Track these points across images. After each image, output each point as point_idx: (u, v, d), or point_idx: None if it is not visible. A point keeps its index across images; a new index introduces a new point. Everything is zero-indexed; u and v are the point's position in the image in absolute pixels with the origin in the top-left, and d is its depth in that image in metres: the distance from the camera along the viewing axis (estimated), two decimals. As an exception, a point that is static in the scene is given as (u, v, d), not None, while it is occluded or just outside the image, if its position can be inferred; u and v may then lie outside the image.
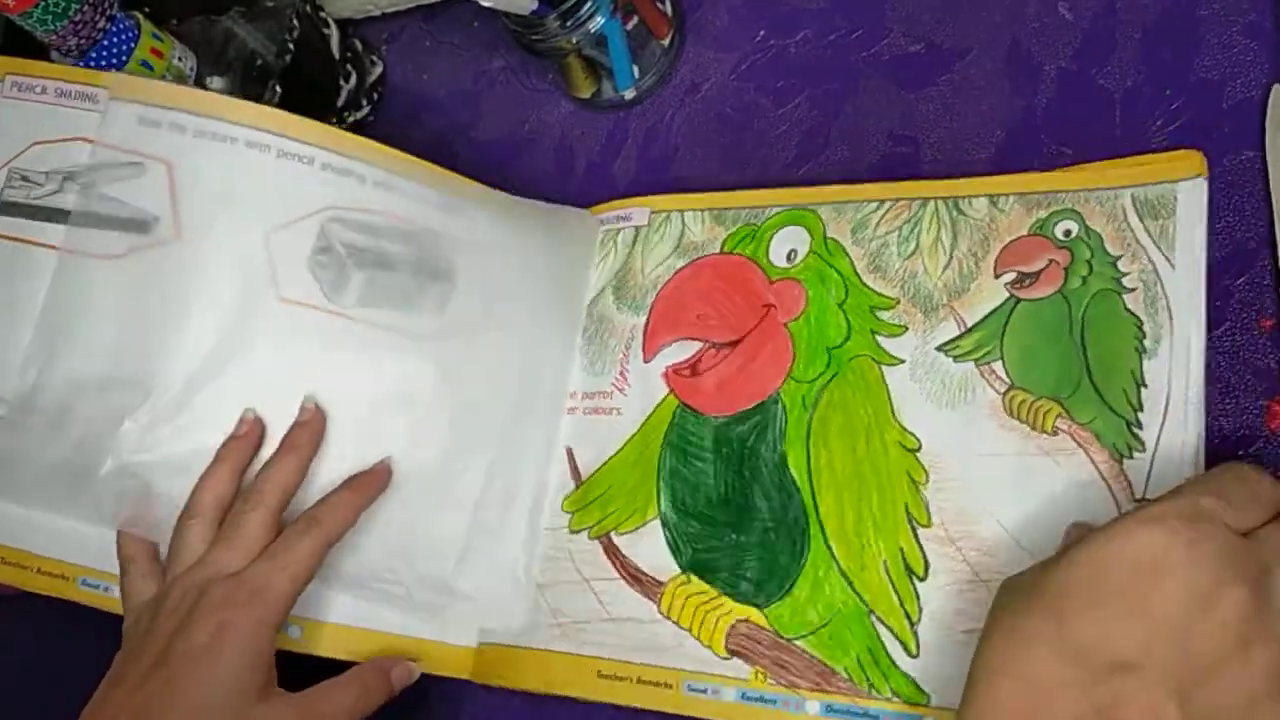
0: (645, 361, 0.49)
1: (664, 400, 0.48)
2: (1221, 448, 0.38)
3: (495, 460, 0.48)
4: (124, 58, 0.55)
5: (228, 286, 0.45)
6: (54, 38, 0.53)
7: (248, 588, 0.40)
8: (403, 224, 0.47)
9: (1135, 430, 0.38)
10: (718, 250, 0.49)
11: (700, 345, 0.48)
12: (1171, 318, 0.39)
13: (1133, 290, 0.40)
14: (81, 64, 0.55)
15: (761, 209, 0.49)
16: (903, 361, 0.43)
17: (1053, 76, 0.46)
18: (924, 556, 0.40)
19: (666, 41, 0.56)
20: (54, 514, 0.46)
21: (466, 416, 0.48)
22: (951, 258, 0.44)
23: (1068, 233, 0.41)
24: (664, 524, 0.46)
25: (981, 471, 0.40)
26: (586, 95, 0.57)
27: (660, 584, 0.45)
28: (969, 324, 0.42)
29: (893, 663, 0.40)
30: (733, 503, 0.45)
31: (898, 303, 0.44)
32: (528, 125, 0.60)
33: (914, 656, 0.39)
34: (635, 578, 0.46)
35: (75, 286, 0.45)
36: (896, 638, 0.40)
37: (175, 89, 0.47)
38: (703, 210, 0.51)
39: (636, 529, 0.46)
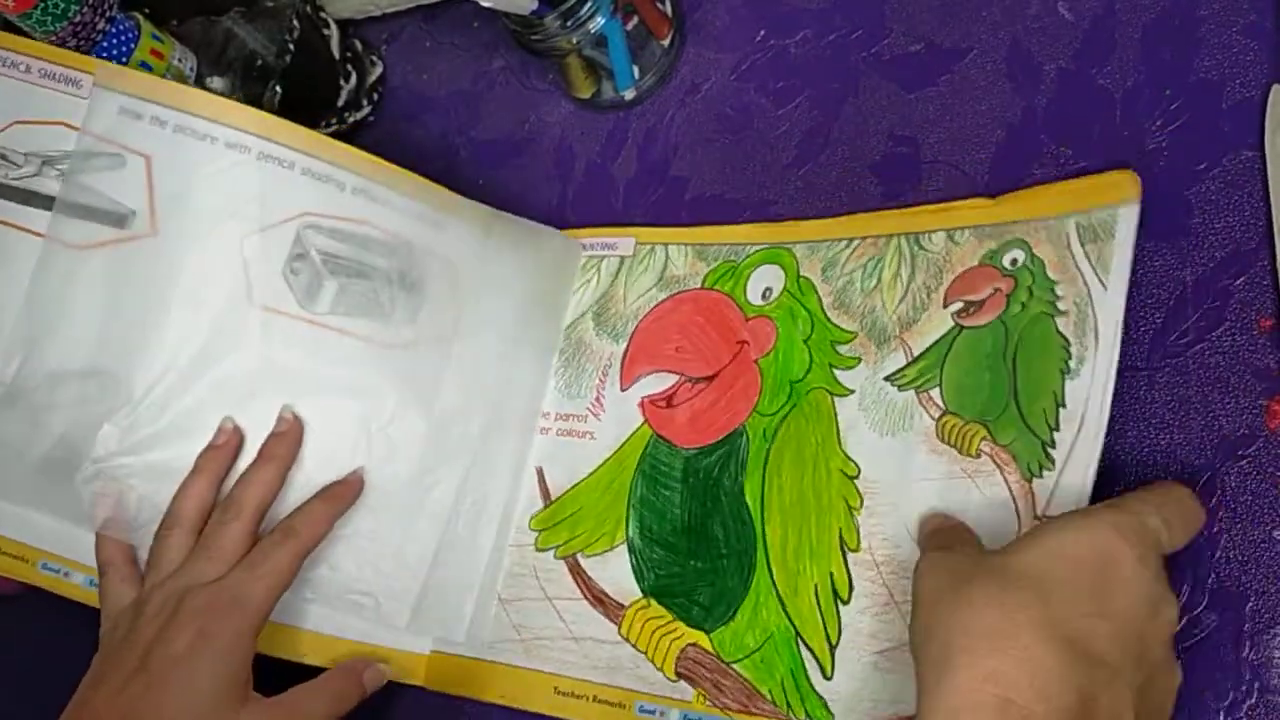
0: (622, 390, 0.50)
1: (639, 429, 0.49)
2: (1221, 448, 0.38)
3: (467, 474, 0.49)
4: (123, 59, 0.55)
5: (205, 287, 0.45)
6: (53, 39, 0.53)
7: (226, 596, 0.41)
8: (379, 233, 0.48)
9: (1049, 450, 0.39)
10: (699, 285, 0.50)
11: (677, 378, 0.49)
12: (1097, 339, 0.39)
13: (1065, 313, 0.40)
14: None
15: (742, 246, 0.50)
16: (852, 392, 0.44)
17: (1053, 76, 0.46)
18: (850, 580, 0.41)
19: (666, 42, 0.56)
20: (33, 510, 0.47)
21: (439, 429, 0.48)
22: (908, 291, 0.45)
23: (1014, 261, 0.42)
24: (630, 549, 0.47)
25: (910, 496, 0.41)
26: (586, 95, 0.57)
27: (622, 607, 0.46)
28: (915, 353, 0.43)
29: (811, 685, 0.41)
30: (694, 531, 0.46)
31: (855, 336, 0.45)
32: (528, 125, 0.61)
33: (828, 678, 0.41)
34: (599, 599, 0.47)
35: (56, 276, 0.45)
36: (816, 660, 0.41)
37: (158, 82, 0.47)
38: (686, 245, 0.52)
39: (603, 552, 0.47)
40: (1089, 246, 0.41)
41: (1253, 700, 0.36)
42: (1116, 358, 0.38)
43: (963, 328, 0.43)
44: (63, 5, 0.52)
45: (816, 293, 0.47)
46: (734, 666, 0.43)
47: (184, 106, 0.46)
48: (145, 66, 0.56)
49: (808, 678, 0.41)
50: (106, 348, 0.45)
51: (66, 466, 0.45)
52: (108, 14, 0.54)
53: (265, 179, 0.46)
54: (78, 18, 0.52)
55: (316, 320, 0.46)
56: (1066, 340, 0.40)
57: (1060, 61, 0.46)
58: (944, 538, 0.38)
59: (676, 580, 0.45)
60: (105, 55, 0.55)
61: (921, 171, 0.47)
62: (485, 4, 0.48)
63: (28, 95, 0.47)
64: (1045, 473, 0.38)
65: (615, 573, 0.47)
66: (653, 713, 0.44)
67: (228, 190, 0.45)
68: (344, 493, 0.46)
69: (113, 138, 0.45)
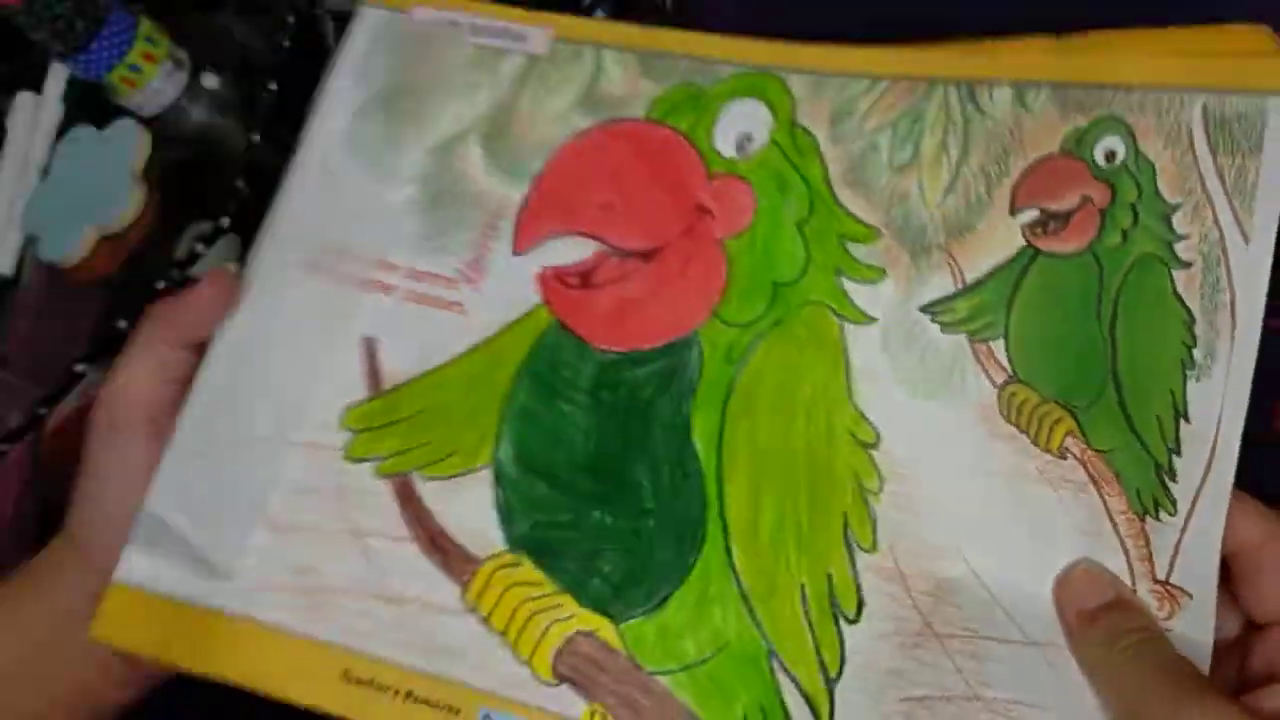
0: (515, 252, 0.35)
1: (533, 311, 0.34)
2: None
3: (247, 326, 0.34)
4: (117, 60, 0.55)
5: None
6: (43, 36, 0.53)
7: None
8: None
9: (1167, 480, 0.28)
10: (640, 115, 0.35)
11: (598, 248, 0.34)
12: (1235, 321, 0.28)
13: (1188, 265, 0.29)
14: (71, 63, 0.55)
15: (711, 64, 0.35)
16: (874, 321, 0.32)
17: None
18: (858, 591, 0.29)
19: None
20: None
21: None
22: (958, 176, 0.32)
23: (1111, 156, 0.31)
24: (498, 478, 0.32)
25: (956, 490, 0.30)
26: (585, 93, 0.57)
27: (473, 560, 0.31)
28: (969, 280, 0.31)
29: None
30: (603, 469, 0.31)
31: (879, 235, 0.32)
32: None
33: None
34: (437, 544, 0.31)
35: None
36: (803, 694, 0.29)
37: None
38: (629, 51, 0.36)
39: (454, 476, 0.32)
40: (1223, 158, 0.29)
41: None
42: (1252, 354, 0.28)
43: (1038, 252, 0.31)
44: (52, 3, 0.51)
45: (819, 155, 0.33)
46: (661, 679, 0.29)
47: None
48: (134, 69, 0.56)
49: (787, 716, 0.29)
50: None
51: None
52: (97, 15, 0.53)
53: None
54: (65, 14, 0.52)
55: None
56: (1189, 313, 0.29)
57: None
58: (1115, 617, 0.28)
59: (567, 533, 0.31)
60: (101, 55, 0.54)
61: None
62: None
63: None
64: (1164, 516, 0.28)
65: (469, 507, 0.31)
66: None
67: None
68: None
69: None
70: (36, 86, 0.62)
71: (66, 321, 0.67)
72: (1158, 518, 0.28)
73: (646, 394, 0.32)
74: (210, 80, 0.59)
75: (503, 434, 0.32)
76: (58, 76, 0.61)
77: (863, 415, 0.31)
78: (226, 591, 0.32)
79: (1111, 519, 0.29)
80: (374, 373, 0.34)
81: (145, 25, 0.56)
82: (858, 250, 0.32)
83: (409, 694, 0.30)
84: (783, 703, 0.29)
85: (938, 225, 0.32)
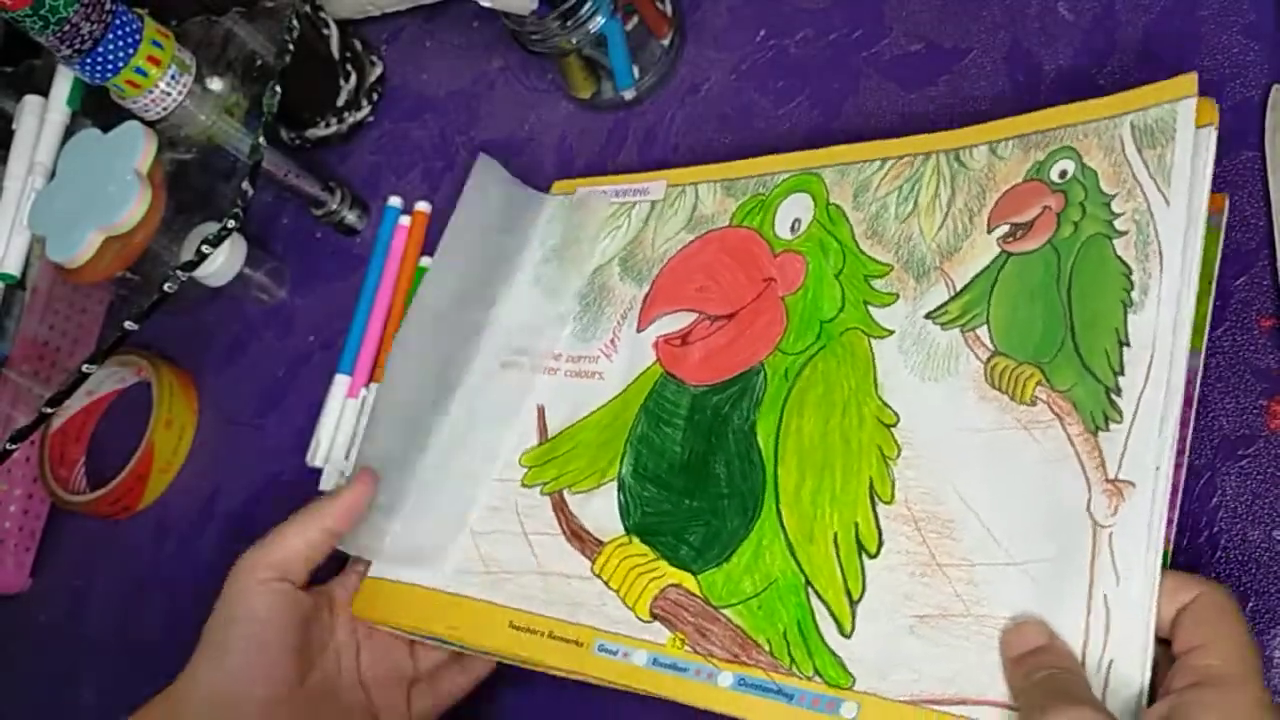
0: (638, 331, 0.48)
1: (649, 369, 0.46)
2: (1221, 449, 0.38)
3: (461, 413, 0.50)
4: (123, 63, 0.55)
5: None
6: (50, 40, 0.53)
7: None
8: None
9: (1114, 398, 0.34)
10: (727, 223, 0.48)
11: (695, 316, 0.46)
12: (1162, 265, 0.34)
13: (1124, 234, 0.36)
14: (77, 66, 0.55)
15: (770, 176, 0.47)
16: (892, 333, 0.40)
17: (1053, 77, 0.46)
18: (879, 533, 0.37)
19: (666, 41, 0.56)
20: None
21: (444, 366, 0.50)
22: (947, 215, 0.41)
23: (1064, 174, 0.38)
24: (620, 487, 0.44)
25: (955, 447, 0.37)
26: (586, 95, 0.57)
27: (600, 543, 0.43)
28: (959, 286, 0.39)
29: (822, 640, 0.37)
30: (693, 469, 0.42)
31: (891, 269, 0.42)
32: (528, 125, 0.60)
33: (847, 636, 0.36)
34: (576, 535, 0.44)
35: None
36: (831, 614, 0.37)
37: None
38: (715, 181, 0.49)
39: (590, 490, 0.44)
40: (1147, 153, 0.36)
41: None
42: (1188, 288, 0.34)
43: (1010, 255, 0.39)
44: (59, 6, 0.52)
45: (847, 221, 0.44)
46: (724, 612, 0.39)
47: None
48: (140, 72, 0.56)
49: (819, 632, 0.37)
50: None
51: None
52: (105, 19, 0.54)
53: None
54: (75, 17, 0.52)
55: None
56: (1127, 266, 0.35)
57: (1060, 61, 0.46)
58: (1040, 657, 0.32)
59: (667, 518, 0.42)
60: (107, 58, 0.55)
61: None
62: (485, 4, 0.48)
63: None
64: (1113, 425, 0.34)
65: (599, 510, 0.44)
66: (614, 653, 0.40)
67: None
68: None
69: None
70: (43, 89, 0.62)
71: (73, 322, 0.67)
72: (1108, 429, 0.34)
73: (724, 411, 0.43)
74: (215, 83, 0.59)
75: (624, 455, 0.45)
76: (64, 79, 0.62)
77: (885, 403, 0.39)
78: (439, 576, 0.46)
79: (1071, 442, 0.35)
80: (542, 428, 0.48)
81: (150, 29, 0.57)
82: (877, 283, 0.42)
83: (550, 633, 0.42)
84: (815, 619, 0.37)
85: (934, 252, 0.41)
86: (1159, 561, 0.32)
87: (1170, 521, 0.34)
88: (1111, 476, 0.33)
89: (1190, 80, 0.36)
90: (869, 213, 0.43)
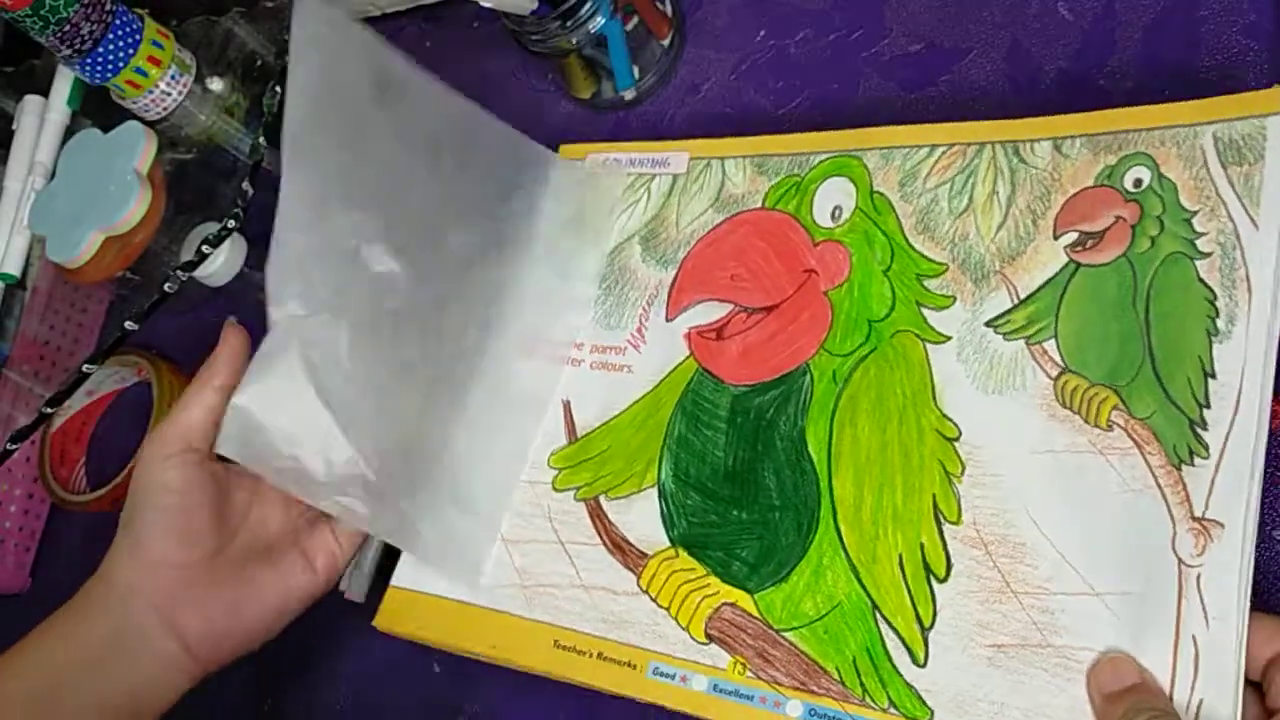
0: (668, 320, 0.45)
1: (683, 363, 0.43)
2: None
3: (482, 400, 0.44)
4: (123, 63, 0.55)
5: None
6: (51, 40, 0.53)
7: None
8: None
9: (1199, 431, 0.33)
10: (759, 205, 0.45)
11: (730, 308, 0.44)
12: (1250, 291, 0.33)
13: (1208, 255, 0.34)
14: (78, 66, 0.55)
15: (806, 155, 0.45)
16: (949, 339, 0.38)
17: (1052, 77, 0.46)
18: (947, 556, 0.35)
19: (666, 42, 0.55)
20: None
21: (457, 344, 0.45)
22: (1007, 215, 0.39)
23: (1138, 182, 0.36)
24: (661, 493, 0.41)
25: (1025, 468, 0.35)
26: (586, 95, 0.57)
27: (644, 556, 0.40)
28: (1022, 295, 0.37)
29: (895, 669, 0.35)
30: (739, 477, 0.40)
31: (946, 269, 0.39)
32: (528, 125, 0.60)
33: (921, 665, 0.35)
34: (619, 546, 0.41)
35: None
36: (903, 641, 0.35)
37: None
38: (745, 157, 0.46)
39: (630, 495, 0.42)
40: (1233, 170, 0.34)
41: (1254, 700, 0.36)
42: (1278, 318, 0.33)
43: (1079, 265, 0.37)
44: (59, 6, 0.52)
45: (895, 212, 0.41)
46: (786, 635, 0.37)
47: None
48: (141, 73, 0.56)
49: (890, 660, 0.35)
50: None
51: None
52: (104, 19, 0.54)
53: None
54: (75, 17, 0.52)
55: None
56: (1211, 291, 0.34)
57: (1060, 61, 0.46)
58: (1137, 697, 0.31)
59: (715, 530, 0.40)
60: (108, 59, 0.55)
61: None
62: (485, 4, 0.48)
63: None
64: (1198, 460, 0.32)
65: (640, 518, 0.41)
66: (671, 677, 0.37)
67: None
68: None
69: None
70: (43, 89, 0.63)
71: (73, 322, 0.67)
72: (1192, 464, 0.33)
73: (769, 414, 0.41)
74: (216, 83, 0.59)
75: (663, 459, 0.42)
76: (64, 79, 0.62)
77: (945, 415, 0.38)
78: (475, 589, 0.42)
79: (1153, 473, 0.33)
80: (570, 426, 0.45)
81: (151, 29, 0.57)
82: (931, 283, 0.40)
83: (600, 654, 0.39)
84: (885, 647, 0.35)
85: (993, 255, 0.39)
86: (1247, 604, 0.31)
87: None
88: (1199, 514, 0.32)
89: None
90: (918, 205, 0.41)
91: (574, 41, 0.51)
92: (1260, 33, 0.42)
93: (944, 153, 0.41)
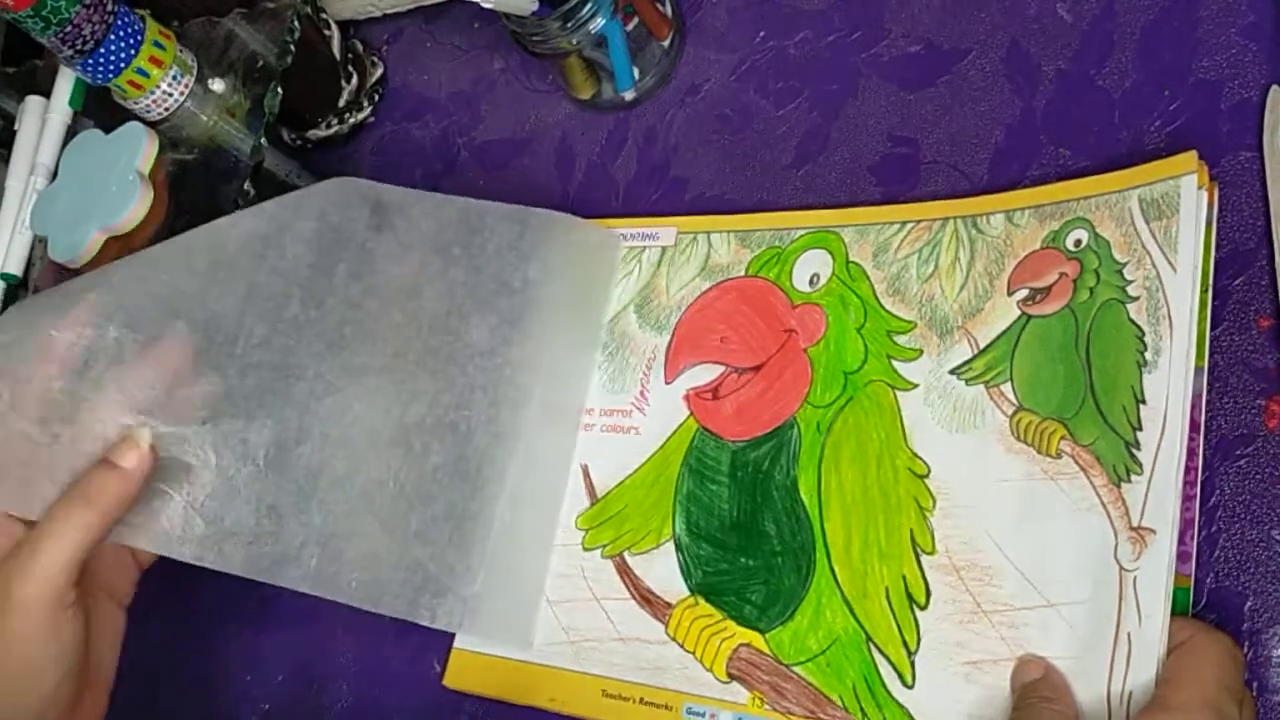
0: (666, 383, 0.49)
1: (684, 423, 0.47)
2: (1219, 448, 0.38)
3: (518, 475, 0.46)
4: (125, 64, 0.55)
5: None
6: (52, 40, 0.53)
7: None
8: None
9: (1134, 451, 0.37)
10: (743, 273, 0.49)
11: (722, 369, 0.47)
12: (1171, 326, 0.37)
13: (1136, 299, 0.38)
14: (80, 67, 0.55)
15: (787, 231, 0.49)
16: (916, 386, 0.43)
17: (1051, 77, 0.46)
18: (926, 585, 0.40)
19: (666, 42, 0.56)
20: None
21: (490, 429, 0.46)
22: (968, 278, 0.43)
23: (1078, 242, 0.41)
24: (677, 546, 0.45)
25: (988, 497, 0.39)
26: (586, 96, 0.57)
27: (669, 606, 0.44)
28: (981, 345, 0.42)
29: (888, 693, 0.39)
30: (743, 527, 0.44)
31: (915, 326, 0.44)
32: (528, 126, 0.60)
33: (909, 687, 0.39)
34: (646, 599, 0.45)
35: None
36: (893, 667, 0.39)
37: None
38: (729, 232, 0.50)
39: (650, 550, 0.46)
40: (1154, 224, 0.39)
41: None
42: (1192, 348, 0.37)
43: (1030, 317, 0.41)
44: (61, 7, 0.52)
45: (868, 279, 0.45)
46: (795, 670, 0.41)
47: None
48: (142, 73, 0.56)
49: (884, 685, 0.39)
50: None
51: None
52: (105, 20, 0.54)
53: None
54: (77, 18, 0.53)
55: None
56: (1140, 329, 0.38)
57: (1059, 62, 0.46)
58: (1036, 685, 0.36)
59: (726, 578, 0.44)
60: (109, 59, 0.55)
61: (920, 172, 0.47)
62: (486, 5, 0.48)
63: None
64: (1134, 477, 0.36)
65: (662, 571, 0.45)
66: (701, 715, 0.42)
67: None
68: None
69: None
70: (45, 90, 0.63)
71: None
72: (1129, 480, 0.36)
73: (765, 466, 0.45)
74: (217, 84, 0.59)
75: (675, 514, 0.46)
76: (66, 80, 0.62)
77: (916, 454, 0.42)
78: (528, 649, 0.47)
79: (1096, 492, 0.37)
80: (590, 488, 0.49)
81: (152, 30, 0.57)
82: (901, 338, 0.44)
83: (641, 699, 0.44)
84: (879, 674, 0.39)
85: (956, 312, 0.43)
86: (1169, 602, 0.35)
87: (1188, 556, 0.37)
88: (1135, 524, 0.36)
89: (1190, 158, 0.39)
90: (890, 272, 0.45)
91: (574, 42, 0.51)
92: (1260, 33, 0.42)
93: (913, 227, 0.46)
